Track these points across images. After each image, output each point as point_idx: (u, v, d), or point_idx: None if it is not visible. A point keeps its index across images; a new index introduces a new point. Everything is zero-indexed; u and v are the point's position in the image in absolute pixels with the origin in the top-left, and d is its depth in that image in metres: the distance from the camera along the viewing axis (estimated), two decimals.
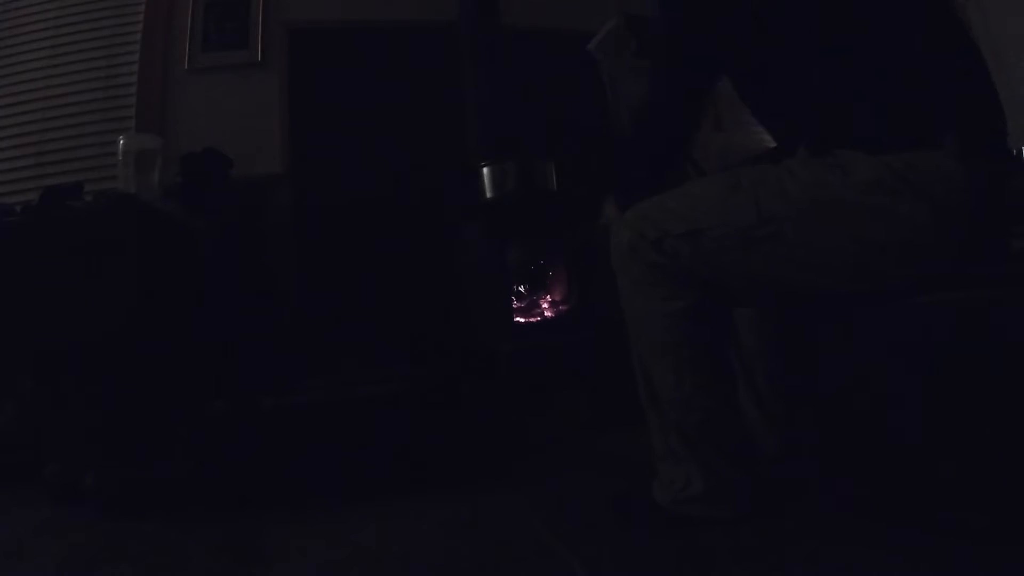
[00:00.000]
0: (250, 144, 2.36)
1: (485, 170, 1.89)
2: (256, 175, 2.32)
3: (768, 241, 0.83)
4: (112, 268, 1.26)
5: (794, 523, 0.89)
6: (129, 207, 1.36)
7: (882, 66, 0.79)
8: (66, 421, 1.29)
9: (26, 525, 1.19)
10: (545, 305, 2.07)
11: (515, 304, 1.98)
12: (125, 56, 2.44)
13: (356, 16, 2.62)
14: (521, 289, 2.07)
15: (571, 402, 1.73)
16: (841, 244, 0.80)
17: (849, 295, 0.86)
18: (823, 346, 1.09)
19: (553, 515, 1.04)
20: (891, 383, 0.93)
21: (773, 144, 1.01)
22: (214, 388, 1.77)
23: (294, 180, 2.41)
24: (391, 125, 2.49)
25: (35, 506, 1.28)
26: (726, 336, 1.01)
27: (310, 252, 2.37)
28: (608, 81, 2.60)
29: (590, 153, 2.19)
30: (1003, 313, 0.80)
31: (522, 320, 1.98)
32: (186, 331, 1.50)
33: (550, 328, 1.94)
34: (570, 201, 1.98)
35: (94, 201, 1.40)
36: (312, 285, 2.35)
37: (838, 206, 0.79)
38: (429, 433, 1.79)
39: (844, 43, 0.81)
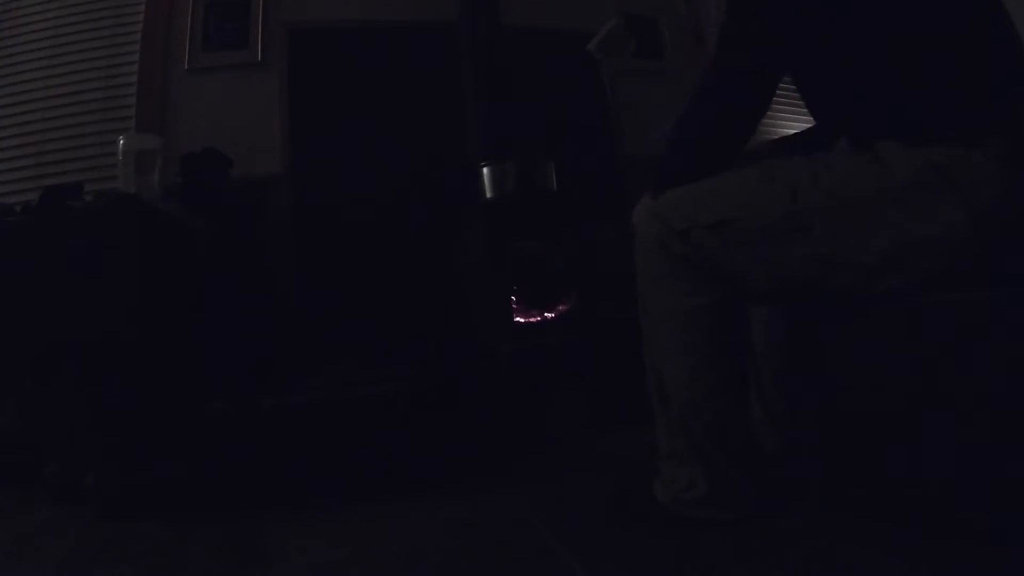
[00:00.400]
0: (250, 144, 2.37)
1: (485, 170, 1.89)
2: (256, 175, 2.32)
3: (796, 233, 0.82)
4: (112, 268, 1.26)
5: (795, 523, 0.89)
6: (129, 207, 1.36)
7: (926, 59, 0.78)
8: (66, 421, 1.29)
9: (26, 525, 1.19)
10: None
11: (515, 304, 1.98)
12: (125, 56, 2.45)
13: (356, 16, 2.62)
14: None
15: (571, 402, 1.73)
16: (870, 239, 0.79)
17: (861, 294, 0.85)
18: (827, 346, 1.08)
19: (553, 515, 1.04)
20: (892, 383, 0.93)
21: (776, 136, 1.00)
22: (214, 388, 1.77)
23: (294, 180, 2.41)
24: (391, 125, 2.50)
25: (35, 506, 1.28)
26: (743, 336, 1.00)
27: (310, 252, 2.37)
28: (608, 81, 2.60)
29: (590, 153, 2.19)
30: (1003, 313, 0.80)
31: (522, 320, 1.98)
32: (186, 331, 1.50)
33: (550, 328, 1.94)
34: (570, 201, 1.98)
35: (94, 201, 1.40)
36: (312, 285, 2.35)
37: (871, 199, 0.78)
38: (429, 433, 1.79)
39: (888, 35, 0.80)
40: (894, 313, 0.85)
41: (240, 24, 2.52)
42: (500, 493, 1.18)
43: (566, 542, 0.92)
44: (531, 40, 2.57)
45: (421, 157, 2.43)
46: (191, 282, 1.57)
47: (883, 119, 0.80)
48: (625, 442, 1.41)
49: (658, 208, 0.94)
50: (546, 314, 2.02)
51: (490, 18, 2.13)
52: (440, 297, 2.26)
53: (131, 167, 1.62)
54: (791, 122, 2.77)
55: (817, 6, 0.83)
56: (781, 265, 0.86)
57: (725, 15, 0.90)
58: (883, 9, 0.80)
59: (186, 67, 2.45)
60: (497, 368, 1.80)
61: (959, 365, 0.81)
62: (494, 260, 1.89)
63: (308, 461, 1.62)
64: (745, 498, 0.92)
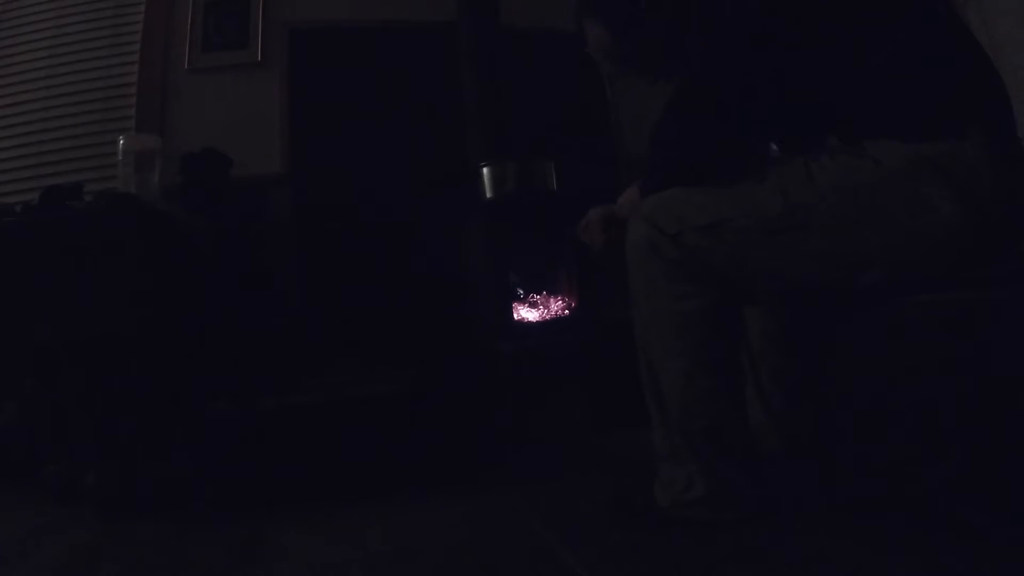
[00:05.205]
0: (250, 144, 2.36)
1: (485, 170, 1.89)
2: (256, 175, 2.32)
3: (792, 231, 0.82)
4: (112, 268, 1.26)
5: (795, 523, 0.89)
6: (129, 207, 1.36)
7: (909, 59, 0.79)
8: (66, 421, 1.29)
9: (26, 525, 1.19)
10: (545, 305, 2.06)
11: (516, 304, 1.98)
12: (125, 56, 2.44)
13: (356, 16, 2.62)
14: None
15: (571, 402, 1.73)
16: (866, 233, 0.79)
17: (857, 292, 0.85)
18: (826, 345, 1.09)
19: (553, 515, 1.04)
20: (892, 382, 0.93)
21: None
22: (214, 388, 1.77)
23: (294, 180, 2.41)
24: (391, 125, 2.49)
25: (35, 506, 1.28)
26: (738, 339, 1.00)
27: (310, 252, 2.37)
28: (608, 81, 2.60)
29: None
30: (1003, 313, 0.80)
31: (522, 320, 1.97)
32: (186, 331, 1.50)
33: (550, 328, 1.94)
34: (570, 201, 1.97)
35: (94, 201, 1.40)
36: (312, 285, 2.35)
37: (867, 193, 0.78)
38: (429, 433, 1.79)
39: (870, 36, 0.81)
40: (894, 311, 0.85)
41: (240, 24, 2.52)
42: (500, 493, 1.18)
43: (566, 542, 0.92)
44: (531, 40, 2.57)
45: (421, 157, 2.43)
46: (191, 282, 1.57)
47: (872, 119, 0.81)
48: (625, 442, 1.41)
49: (647, 211, 0.93)
50: (546, 314, 2.02)
51: (490, 18, 2.13)
52: (440, 297, 2.26)
53: (131, 167, 1.62)
54: None
55: (803, 16, 0.83)
56: (779, 264, 0.86)
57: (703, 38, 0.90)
58: (864, 13, 0.82)
59: (186, 67, 2.45)
60: (497, 368, 1.80)
61: (960, 364, 0.81)
62: (494, 260, 1.89)
63: (308, 461, 1.62)
64: (744, 499, 0.92)
